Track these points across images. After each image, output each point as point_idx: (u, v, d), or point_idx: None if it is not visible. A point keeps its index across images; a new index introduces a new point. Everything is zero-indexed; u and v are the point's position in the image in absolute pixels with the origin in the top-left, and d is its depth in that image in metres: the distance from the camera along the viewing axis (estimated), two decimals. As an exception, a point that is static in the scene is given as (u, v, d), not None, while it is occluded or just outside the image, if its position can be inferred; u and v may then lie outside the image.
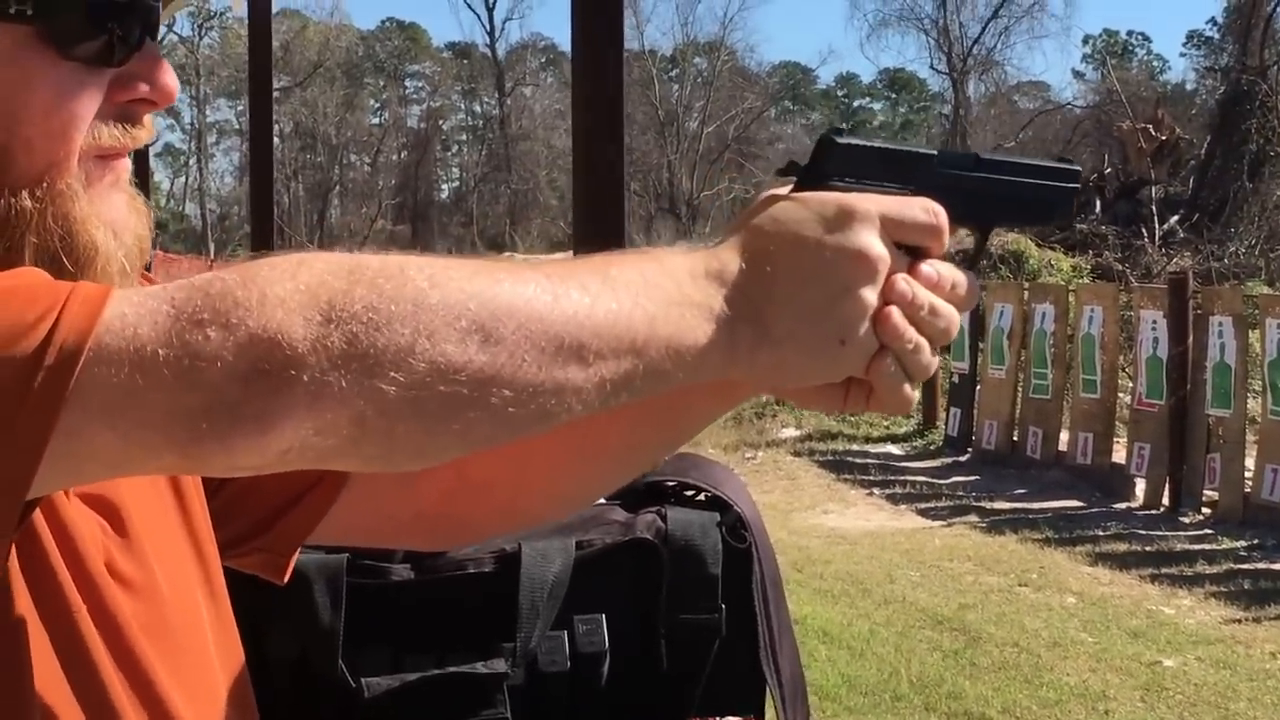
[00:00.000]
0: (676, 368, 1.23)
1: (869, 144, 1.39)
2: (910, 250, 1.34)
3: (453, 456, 1.18)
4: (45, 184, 1.31)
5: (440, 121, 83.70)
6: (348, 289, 1.10)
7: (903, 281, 1.31)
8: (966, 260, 1.44)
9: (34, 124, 1.30)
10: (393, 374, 1.08)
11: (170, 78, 1.40)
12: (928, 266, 1.34)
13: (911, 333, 1.31)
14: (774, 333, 1.27)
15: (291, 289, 1.09)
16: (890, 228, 1.31)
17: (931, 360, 1.34)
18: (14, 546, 1.21)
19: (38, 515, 1.27)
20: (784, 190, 1.36)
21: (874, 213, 1.30)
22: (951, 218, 1.37)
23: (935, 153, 1.42)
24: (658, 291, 1.23)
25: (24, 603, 1.27)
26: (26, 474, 1.07)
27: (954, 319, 1.35)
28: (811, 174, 1.36)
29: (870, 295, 1.29)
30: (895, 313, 1.30)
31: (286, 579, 1.70)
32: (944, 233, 1.36)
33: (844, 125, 1.40)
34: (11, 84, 1.30)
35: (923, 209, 1.34)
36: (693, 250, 1.30)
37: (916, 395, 1.37)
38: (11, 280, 1.13)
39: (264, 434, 1.08)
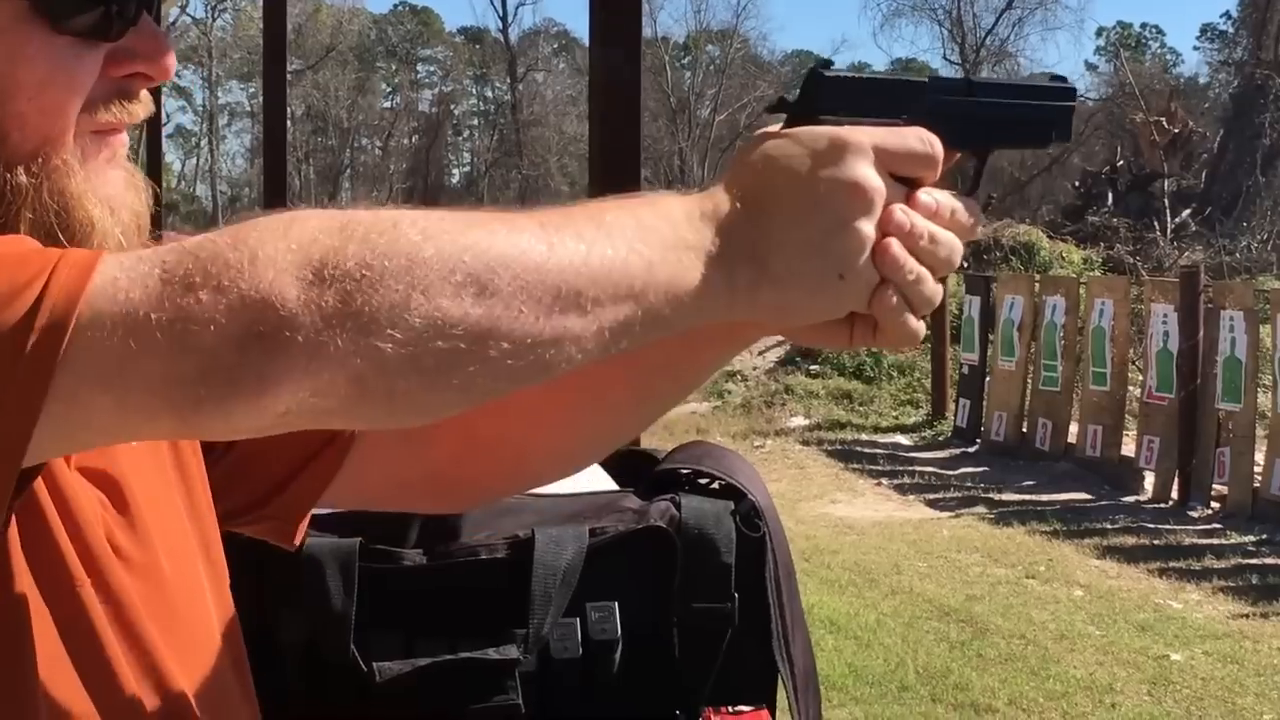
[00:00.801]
0: (675, 312, 1.22)
1: (858, 76, 1.38)
2: (907, 181, 1.32)
3: (455, 411, 1.16)
4: (41, 159, 1.30)
5: (452, 106, 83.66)
6: (340, 246, 1.08)
7: (900, 212, 1.29)
8: (966, 187, 1.43)
9: (28, 99, 1.29)
10: (389, 331, 1.07)
11: (168, 53, 1.38)
12: (925, 195, 1.32)
13: (912, 263, 1.29)
14: (772, 270, 1.25)
15: (283, 248, 1.07)
16: (884, 158, 1.29)
17: (935, 289, 1.32)
18: (15, 520, 1.21)
19: (39, 488, 1.26)
20: (775, 128, 1.34)
21: (867, 144, 1.29)
22: (947, 144, 1.35)
23: (926, 80, 1.40)
24: (653, 236, 1.21)
25: (25, 577, 1.26)
26: (21, 439, 1.06)
27: (956, 247, 1.34)
28: (802, 109, 1.34)
29: (867, 227, 1.27)
30: (894, 244, 1.28)
31: (297, 544, 1.69)
32: (939, 160, 1.34)
33: (831, 60, 1.38)
34: (4, 58, 1.28)
35: (917, 138, 1.33)
36: (688, 193, 1.29)
37: (923, 329, 1.35)
38: (1, 247, 1.12)
39: (261, 396, 1.07)
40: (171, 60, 1.40)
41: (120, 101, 1.36)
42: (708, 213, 1.25)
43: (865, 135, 1.29)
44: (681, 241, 1.22)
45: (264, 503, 1.63)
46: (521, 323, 1.12)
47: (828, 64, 1.37)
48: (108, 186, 1.36)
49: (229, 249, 1.07)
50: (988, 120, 1.43)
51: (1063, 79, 1.51)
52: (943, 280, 1.37)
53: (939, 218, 1.33)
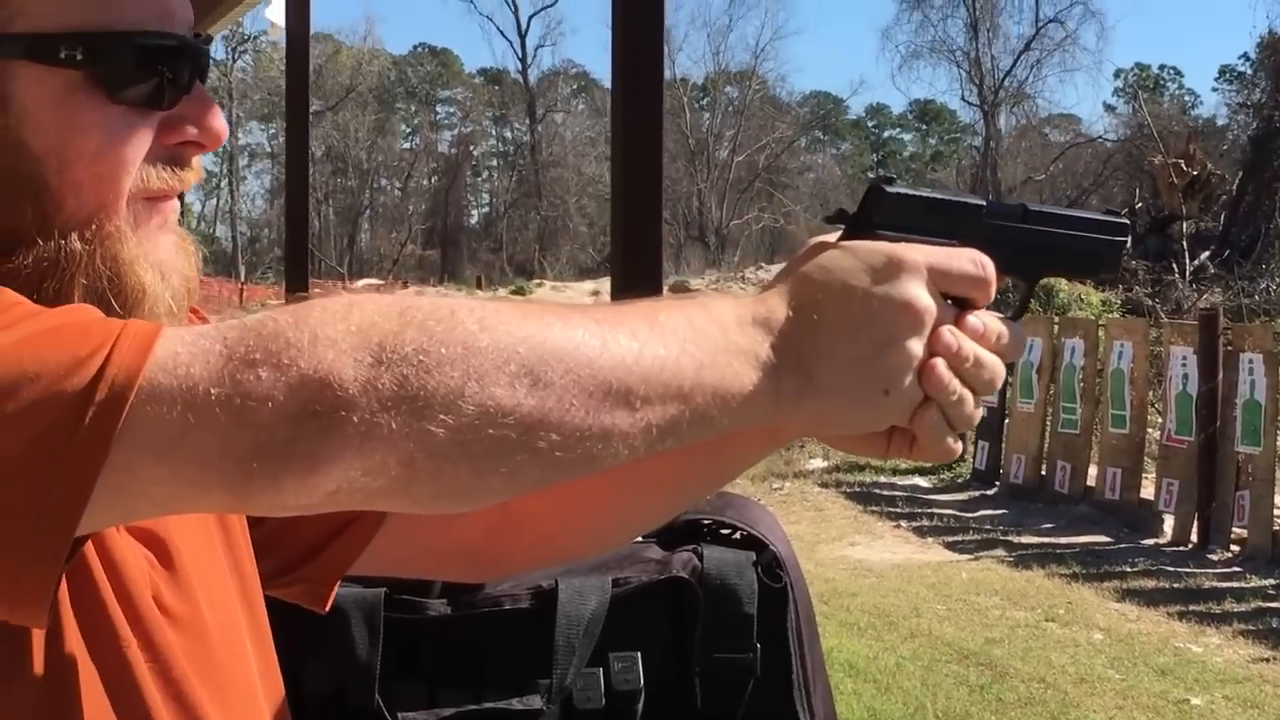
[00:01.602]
0: (722, 414, 1.24)
1: (917, 193, 1.40)
2: (957, 301, 1.35)
3: (500, 499, 1.19)
4: (94, 226, 1.33)
5: (471, 147, 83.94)
6: (398, 331, 1.10)
7: (948, 333, 1.32)
8: (1012, 311, 1.45)
9: (84, 167, 1.32)
10: (442, 416, 1.09)
11: (219, 121, 1.42)
12: (974, 318, 1.35)
13: (956, 384, 1.32)
14: (819, 381, 1.28)
15: (343, 330, 1.10)
16: (937, 279, 1.32)
17: (975, 411, 1.35)
18: (65, 581, 1.23)
19: (88, 548, 1.28)
20: (831, 238, 1.37)
21: (921, 264, 1.31)
22: (998, 268, 1.37)
23: (983, 203, 1.42)
24: (705, 338, 1.24)
25: (74, 636, 1.28)
26: (76, 509, 1.08)
27: (999, 370, 1.36)
28: (859, 222, 1.37)
29: (916, 346, 1.30)
30: (940, 364, 1.31)
31: (327, 608, 1.71)
32: (991, 285, 1.36)
33: (893, 175, 1.39)
34: (61, 127, 1.31)
35: (970, 260, 1.35)
36: (740, 297, 1.31)
37: (960, 446, 1.37)
38: (64, 316, 1.14)
39: (313, 474, 1.09)
40: (223, 126, 1.43)
41: (171, 168, 1.39)
42: (760, 318, 1.28)
43: (921, 255, 1.32)
44: (732, 346, 1.25)
45: (298, 566, 1.66)
46: (572, 416, 1.14)
47: (889, 179, 1.39)
48: (159, 252, 1.38)
49: (290, 328, 1.10)
50: (1040, 248, 1.45)
51: (1116, 213, 1.52)
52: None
53: (985, 341, 1.35)
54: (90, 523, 1.10)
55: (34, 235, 1.31)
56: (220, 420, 1.07)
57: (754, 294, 1.32)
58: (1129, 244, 1.54)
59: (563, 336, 1.16)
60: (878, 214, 1.37)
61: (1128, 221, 1.52)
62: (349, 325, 1.10)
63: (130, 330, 1.11)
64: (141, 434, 1.07)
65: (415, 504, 1.17)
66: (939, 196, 1.41)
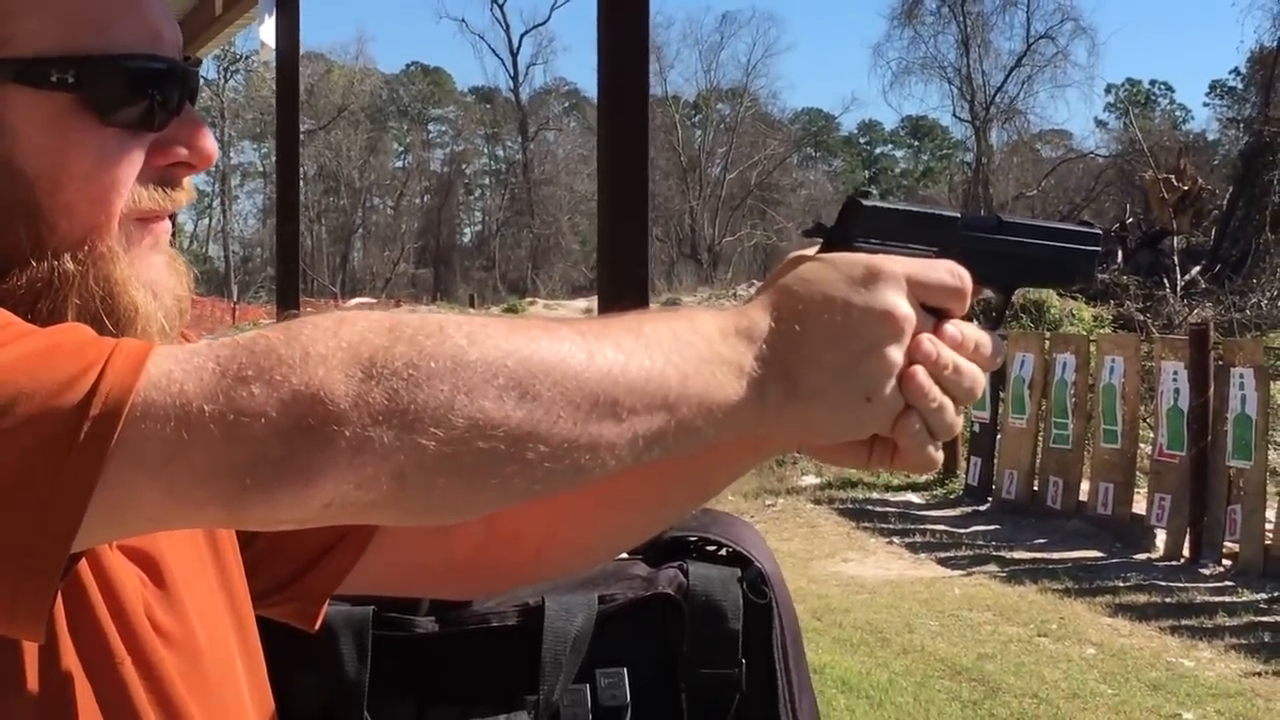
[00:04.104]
0: (707, 424, 1.26)
1: (894, 206, 1.42)
2: (935, 311, 1.37)
3: (490, 510, 1.20)
4: (87, 247, 1.34)
5: (463, 165, 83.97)
6: (388, 346, 1.12)
7: (928, 341, 1.34)
8: (990, 320, 1.47)
9: (76, 189, 1.34)
10: (432, 429, 1.11)
11: (209, 141, 1.44)
12: (952, 327, 1.37)
13: (936, 392, 1.34)
14: (802, 390, 1.30)
15: (334, 346, 1.12)
16: (916, 289, 1.34)
17: (955, 420, 1.37)
18: (61, 598, 1.24)
19: (82, 566, 1.29)
20: (811, 251, 1.39)
21: (900, 274, 1.33)
22: (975, 279, 1.40)
23: (959, 215, 1.45)
24: (689, 349, 1.25)
25: (69, 653, 1.30)
26: (72, 525, 1.09)
27: (978, 379, 1.38)
28: (838, 235, 1.40)
29: (896, 354, 1.32)
30: (920, 372, 1.33)
31: (317, 627, 1.72)
32: (968, 294, 1.39)
33: (870, 189, 1.42)
34: (53, 150, 1.33)
35: (947, 271, 1.37)
36: (723, 309, 1.33)
37: (941, 455, 1.39)
38: (58, 336, 1.16)
39: (306, 488, 1.11)
40: (213, 147, 1.45)
41: (163, 189, 1.41)
42: (743, 330, 1.30)
43: (899, 265, 1.34)
44: (716, 356, 1.27)
45: (288, 585, 1.67)
46: (560, 428, 1.16)
47: (865, 192, 1.41)
48: (151, 271, 1.40)
49: (282, 345, 1.12)
50: (1015, 258, 1.48)
51: (1090, 224, 1.55)
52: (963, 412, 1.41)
53: (963, 349, 1.37)
54: (86, 538, 1.12)
55: (28, 256, 1.33)
56: (214, 436, 1.09)
57: (737, 306, 1.34)
58: (1102, 253, 1.56)
59: (550, 349, 1.18)
60: (855, 227, 1.39)
61: (1100, 231, 1.55)
62: (340, 341, 1.12)
63: (123, 348, 1.13)
64: (136, 450, 1.09)
65: (407, 516, 1.19)
66: (915, 209, 1.43)
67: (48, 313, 1.31)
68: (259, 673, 1.58)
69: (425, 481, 1.13)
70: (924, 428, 1.35)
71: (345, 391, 1.10)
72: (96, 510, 1.09)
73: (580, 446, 1.18)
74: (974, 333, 1.39)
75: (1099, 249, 1.54)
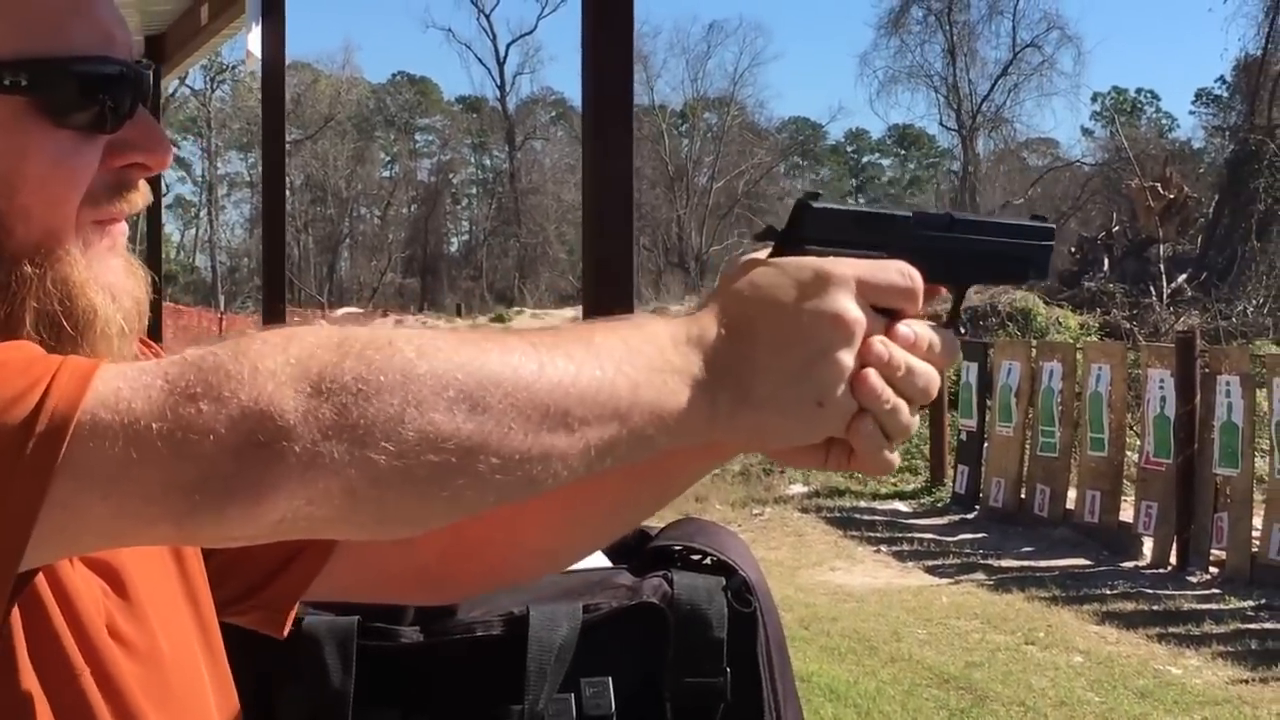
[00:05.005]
0: (659, 432, 1.26)
1: (844, 208, 1.42)
2: (887, 312, 1.36)
3: (443, 523, 1.21)
4: (43, 250, 1.34)
5: (450, 175, 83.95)
6: (337, 361, 1.12)
7: (879, 343, 1.34)
8: (945, 320, 1.47)
9: (31, 192, 1.34)
10: (383, 443, 1.11)
11: (164, 143, 1.44)
12: (904, 327, 1.36)
13: (889, 393, 1.33)
14: (753, 396, 1.30)
15: (282, 362, 1.11)
16: (866, 291, 1.34)
17: (911, 421, 1.36)
18: (18, 611, 1.24)
19: (40, 579, 1.28)
20: (761, 254, 1.39)
21: (850, 277, 1.33)
22: (928, 278, 1.40)
23: (910, 214, 1.44)
24: (640, 358, 1.25)
25: (26, 668, 1.29)
26: (18, 544, 1.09)
27: (933, 379, 1.37)
28: (788, 238, 1.39)
29: (847, 358, 1.32)
30: (872, 374, 1.33)
31: (285, 634, 1.72)
32: (919, 294, 1.38)
33: (819, 190, 1.42)
34: (8, 154, 1.33)
35: (898, 272, 1.37)
36: (673, 317, 1.33)
37: (897, 457, 1.39)
38: (2, 354, 1.15)
39: (257, 505, 1.10)
40: (168, 150, 1.45)
41: (119, 192, 1.42)
42: (693, 337, 1.30)
43: (849, 268, 1.34)
44: (667, 365, 1.27)
45: (254, 593, 1.67)
46: (511, 439, 1.16)
47: (815, 194, 1.41)
48: (109, 274, 1.40)
49: (230, 361, 1.11)
50: (967, 255, 1.47)
51: (1043, 218, 1.55)
52: (920, 410, 1.41)
53: (917, 349, 1.36)
54: (35, 557, 1.11)
55: None
56: (162, 454, 1.08)
57: (687, 313, 1.34)
58: (1054, 246, 1.56)
59: (500, 361, 1.18)
60: (805, 230, 1.39)
61: (1053, 226, 1.54)
62: (288, 357, 1.12)
63: (69, 365, 1.12)
64: (83, 467, 1.08)
65: (360, 530, 1.19)
66: (866, 210, 1.43)
67: (5, 317, 1.32)
68: (225, 681, 1.58)
69: (377, 495, 1.13)
70: (879, 430, 1.35)
71: (294, 407, 1.09)
72: (45, 529, 1.09)
73: (532, 457, 1.18)
74: (927, 332, 1.38)
75: (1052, 244, 1.53)
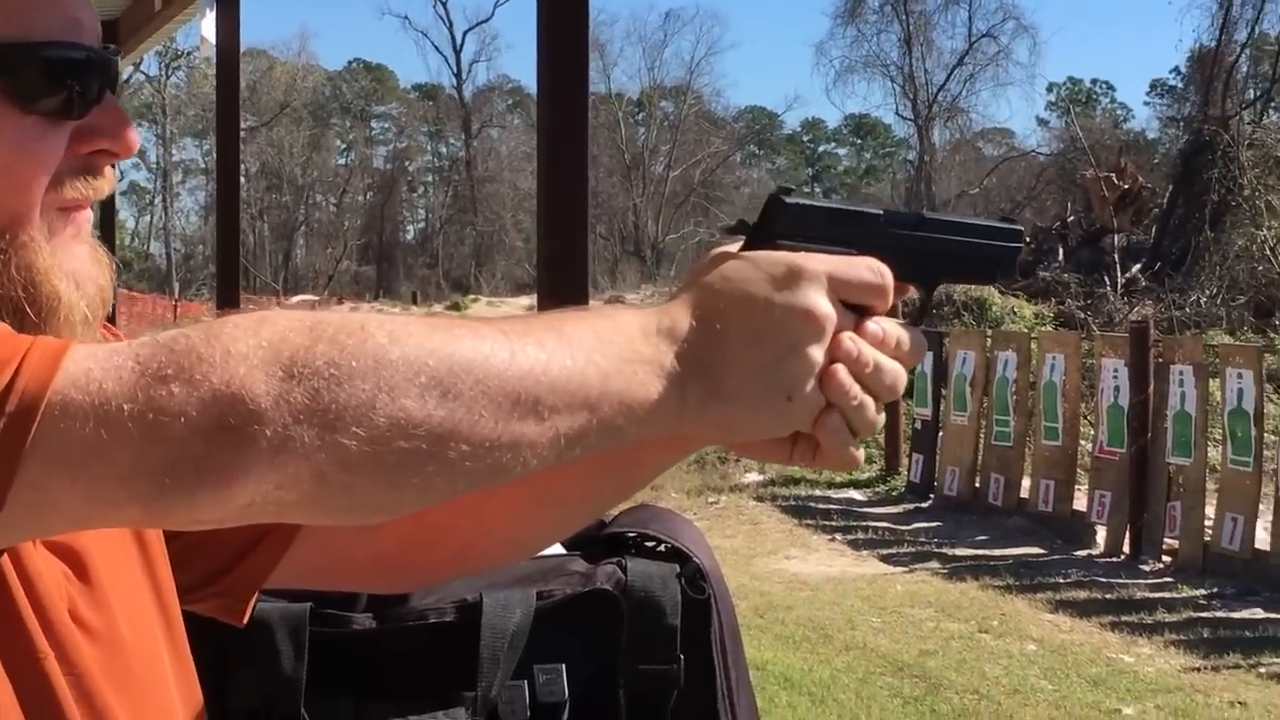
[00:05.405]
0: (628, 423, 1.26)
1: (816, 204, 1.42)
2: (856, 308, 1.37)
3: (412, 510, 1.21)
4: (8, 236, 1.34)
5: (406, 163, 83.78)
6: (310, 345, 1.12)
7: (849, 340, 1.34)
8: (913, 317, 1.47)
9: None
10: (354, 429, 1.11)
11: (130, 129, 1.43)
12: (874, 324, 1.37)
13: (856, 390, 1.34)
14: (723, 389, 1.30)
15: (254, 345, 1.11)
16: (837, 287, 1.34)
17: (876, 417, 1.37)
18: None
19: (3, 561, 1.28)
20: (733, 248, 1.39)
21: (821, 272, 1.33)
22: (898, 276, 1.40)
23: (881, 212, 1.45)
24: (611, 348, 1.26)
25: None
26: None
27: (899, 376, 1.38)
28: (760, 233, 1.39)
29: (817, 353, 1.32)
30: (841, 370, 1.33)
31: (245, 621, 1.71)
32: (889, 292, 1.39)
33: (791, 185, 1.43)
34: None
35: (869, 268, 1.37)
36: (645, 308, 1.33)
37: (861, 455, 1.40)
38: None
39: (227, 488, 1.10)
40: (135, 136, 1.44)
41: (85, 178, 1.41)
42: (664, 329, 1.30)
43: (821, 263, 1.34)
44: (637, 355, 1.27)
45: (215, 580, 1.66)
46: (481, 426, 1.16)
47: (788, 190, 1.41)
48: (73, 261, 1.40)
49: (202, 344, 1.11)
50: (937, 254, 1.47)
51: (1013, 220, 1.57)
52: (887, 408, 1.41)
53: (885, 346, 1.37)
54: (3, 537, 1.11)
55: None
56: (133, 435, 1.08)
57: (658, 304, 1.34)
58: (1024, 249, 1.57)
59: (471, 349, 1.17)
60: (778, 224, 1.39)
61: (1022, 228, 1.56)
62: (260, 340, 1.11)
63: (40, 345, 1.12)
64: (53, 449, 1.08)
65: (329, 516, 1.19)
66: (837, 207, 1.44)
67: None
68: (187, 667, 1.57)
69: (346, 481, 1.13)
70: (845, 425, 1.35)
71: (266, 390, 1.09)
72: (14, 510, 1.09)
73: (501, 445, 1.18)
74: (896, 330, 1.39)
75: (1021, 245, 1.55)
